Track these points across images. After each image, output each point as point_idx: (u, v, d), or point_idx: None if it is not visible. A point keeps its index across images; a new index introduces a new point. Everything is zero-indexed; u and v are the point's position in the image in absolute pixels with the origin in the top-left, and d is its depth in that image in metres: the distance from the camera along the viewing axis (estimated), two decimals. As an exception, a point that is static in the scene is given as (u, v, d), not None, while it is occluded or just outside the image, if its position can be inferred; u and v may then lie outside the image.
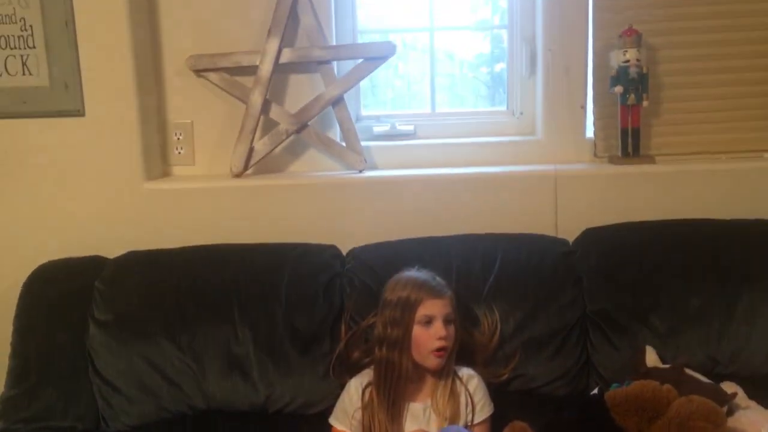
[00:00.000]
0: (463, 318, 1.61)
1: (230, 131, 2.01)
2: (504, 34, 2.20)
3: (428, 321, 1.52)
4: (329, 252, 1.83)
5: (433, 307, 1.53)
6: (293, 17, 1.96)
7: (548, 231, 1.90)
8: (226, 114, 2.02)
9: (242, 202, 1.93)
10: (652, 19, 1.97)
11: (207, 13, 1.98)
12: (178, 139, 2.04)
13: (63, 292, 1.77)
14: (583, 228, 1.86)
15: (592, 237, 1.83)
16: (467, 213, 1.92)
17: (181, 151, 2.05)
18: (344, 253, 1.85)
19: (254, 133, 1.96)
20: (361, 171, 1.98)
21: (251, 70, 1.96)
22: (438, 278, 1.59)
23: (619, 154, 1.97)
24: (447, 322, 1.53)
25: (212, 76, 1.98)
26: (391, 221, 1.92)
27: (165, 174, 2.04)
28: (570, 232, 1.87)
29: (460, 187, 1.93)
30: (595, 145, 2.03)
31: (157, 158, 2.01)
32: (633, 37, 1.90)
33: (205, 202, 1.93)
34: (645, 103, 1.93)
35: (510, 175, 1.94)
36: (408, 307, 1.53)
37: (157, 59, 2.00)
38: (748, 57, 1.98)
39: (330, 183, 1.94)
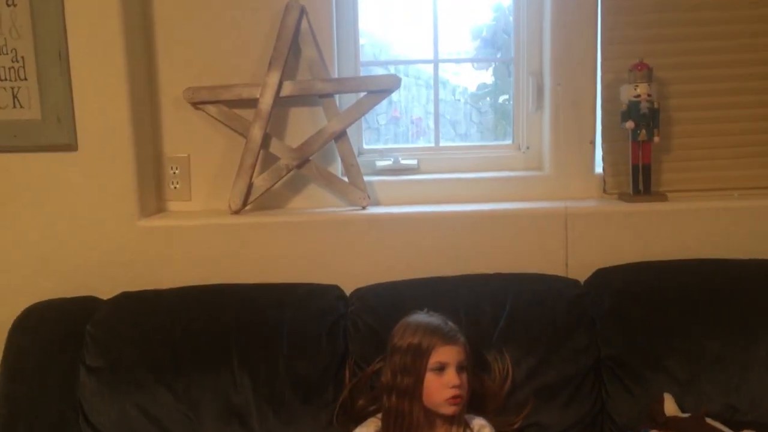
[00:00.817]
0: (473, 364, 1.54)
1: (228, 165, 1.94)
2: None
3: (441, 368, 1.45)
4: (332, 293, 1.76)
5: (447, 354, 1.46)
6: (294, 49, 1.91)
7: (558, 270, 1.85)
8: (224, 148, 1.96)
9: (241, 240, 1.85)
10: (662, 52, 1.93)
11: (205, 44, 1.92)
12: (174, 173, 1.97)
13: (53, 335, 1.68)
14: (595, 267, 1.81)
15: (605, 277, 1.77)
16: (474, 251, 1.86)
17: (177, 186, 1.97)
18: (348, 293, 1.78)
19: (254, 169, 1.89)
20: (364, 208, 1.92)
21: (251, 102, 1.90)
22: (450, 323, 1.52)
23: (630, 190, 1.91)
24: (460, 369, 1.46)
25: (210, 108, 1.91)
26: (396, 260, 1.85)
27: (160, 210, 1.97)
28: (581, 272, 1.81)
29: (467, 225, 1.87)
30: (604, 181, 1.98)
31: (152, 194, 1.93)
32: (644, 71, 1.86)
33: (202, 240, 1.85)
34: (656, 139, 1.88)
35: (519, 212, 1.88)
36: (420, 354, 1.46)
37: (153, 91, 1.93)
38: (759, 92, 1.94)
39: (332, 220, 1.87)
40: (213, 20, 1.91)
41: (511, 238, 1.86)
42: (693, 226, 1.85)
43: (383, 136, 2.36)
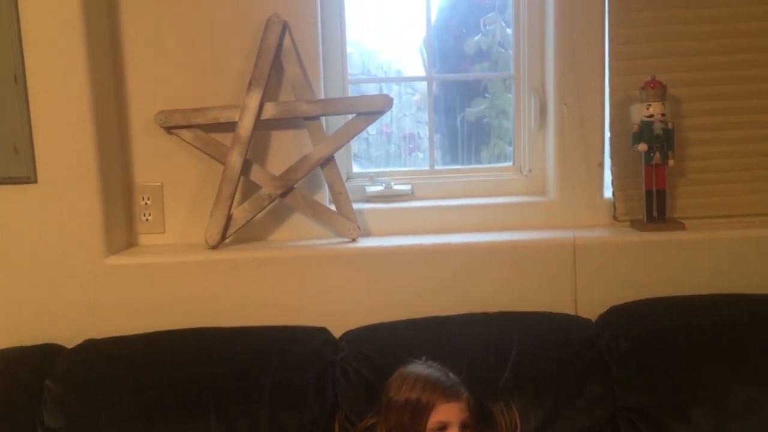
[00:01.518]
0: (477, 419, 1.38)
1: (205, 195, 1.78)
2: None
3: (442, 428, 1.30)
4: (320, 337, 1.60)
5: (449, 412, 1.30)
6: (276, 67, 1.75)
7: (567, 307, 1.70)
8: (200, 175, 1.79)
9: (219, 278, 1.68)
10: (674, 68, 1.78)
11: (179, 63, 1.75)
12: (146, 203, 1.80)
13: (9, 390, 1.51)
14: (607, 304, 1.66)
15: (620, 316, 1.62)
16: (475, 287, 1.70)
17: (149, 218, 1.80)
18: (337, 336, 1.62)
19: (233, 199, 1.73)
20: (354, 240, 1.76)
21: (229, 126, 1.74)
22: (451, 375, 1.37)
23: (643, 218, 1.76)
24: (463, 428, 1.31)
25: (185, 133, 1.75)
26: (390, 297, 1.69)
27: (130, 244, 1.80)
28: (591, 309, 1.66)
29: (467, 258, 1.71)
30: (614, 207, 1.83)
31: (121, 227, 1.76)
32: (657, 89, 1.71)
33: (176, 279, 1.68)
34: (671, 163, 1.73)
35: (523, 243, 1.72)
36: (418, 412, 1.31)
37: (122, 115, 1.76)
38: (780, 110, 1.79)
39: (319, 255, 1.70)
40: (187, 38, 1.75)
41: (515, 271, 1.71)
42: (713, 257, 1.69)
43: (373, 151, 2.20)
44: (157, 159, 1.79)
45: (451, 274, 1.70)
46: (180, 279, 1.68)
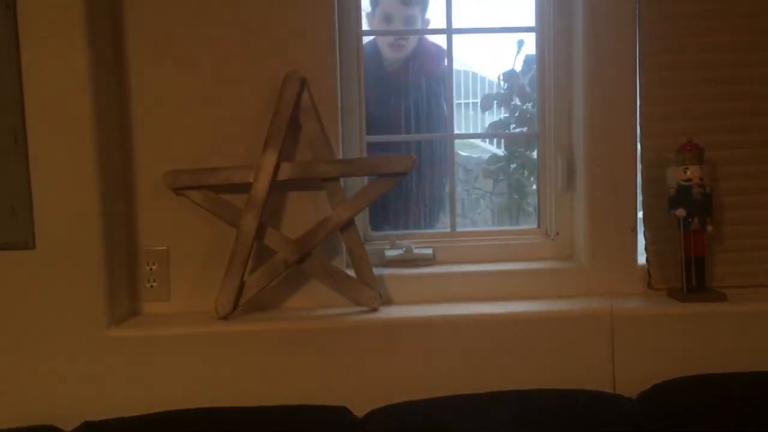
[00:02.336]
0: None
1: (214, 260, 1.66)
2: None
3: None
4: (340, 419, 1.47)
5: None
6: (293, 125, 1.65)
7: (604, 383, 1.58)
8: (209, 239, 1.67)
9: (231, 351, 1.56)
10: (708, 129, 1.70)
11: (190, 121, 1.65)
12: (151, 269, 1.67)
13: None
14: (647, 380, 1.54)
15: (665, 395, 1.50)
16: (506, 361, 1.59)
17: (154, 285, 1.68)
18: (358, 415, 1.49)
19: (246, 265, 1.61)
20: (375, 309, 1.64)
21: (242, 187, 1.63)
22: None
23: (682, 286, 1.66)
24: None
25: (195, 195, 1.64)
26: (415, 373, 1.57)
27: (133, 313, 1.67)
28: (631, 386, 1.55)
29: (497, 330, 1.59)
30: (649, 274, 1.73)
31: (124, 295, 1.63)
32: (695, 152, 1.63)
33: (183, 353, 1.55)
34: (710, 228, 1.64)
35: (557, 313, 1.61)
36: None
37: (127, 176, 1.65)
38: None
39: (340, 327, 1.58)
40: (198, 93, 1.65)
41: (548, 344, 1.59)
42: (759, 330, 1.59)
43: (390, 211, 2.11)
44: (163, 222, 1.67)
45: (479, 346, 1.59)
46: (188, 353, 1.55)
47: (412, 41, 2.25)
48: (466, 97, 6.58)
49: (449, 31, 1.83)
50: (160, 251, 1.68)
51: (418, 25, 2.20)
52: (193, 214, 1.66)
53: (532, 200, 2.25)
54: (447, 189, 1.91)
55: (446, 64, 1.92)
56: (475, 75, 6.49)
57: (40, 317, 1.52)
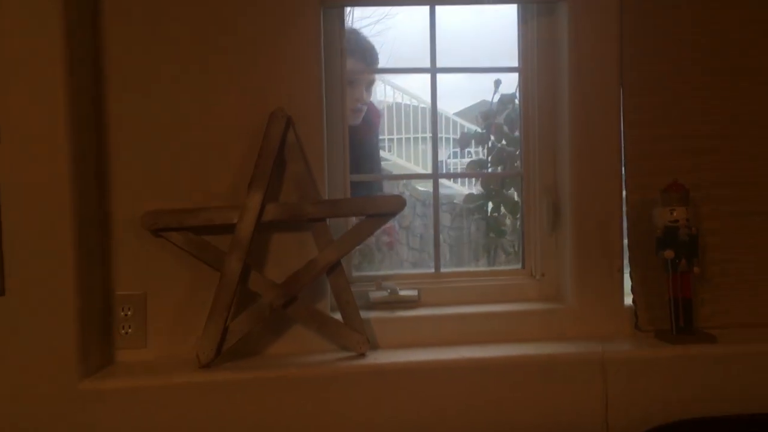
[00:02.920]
0: None
1: (192, 304, 1.59)
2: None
3: None
4: (333, 472, 1.40)
5: None
6: (278, 164, 1.60)
7: (597, 427, 1.56)
8: (188, 283, 1.60)
9: (213, 401, 1.47)
10: (692, 168, 1.73)
11: (171, 160, 1.59)
12: (126, 315, 1.59)
13: None
14: (641, 424, 1.54)
15: (662, 441, 1.48)
16: (497, 406, 1.55)
17: (129, 331, 1.59)
18: (348, 468, 1.42)
19: (230, 309, 1.54)
20: (362, 354, 1.58)
21: (225, 229, 1.57)
22: None
23: (671, 328, 1.65)
24: None
25: (175, 236, 1.56)
26: (405, 420, 1.52)
27: (106, 362, 1.57)
28: (625, 431, 1.52)
29: (488, 374, 1.55)
30: (636, 315, 1.72)
31: (97, 343, 1.54)
32: (680, 193, 1.64)
33: (163, 405, 1.46)
34: (696, 270, 1.64)
35: (548, 357, 1.58)
36: None
37: (102, 216, 1.57)
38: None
39: (328, 373, 1.52)
40: (180, 131, 1.59)
41: (539, 388, 1.56)
42: (749, 371, 1.59)
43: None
44: (139, 265, 1.59)
45: (470, 391, 1.54)
46: (167, 405, 1.46)
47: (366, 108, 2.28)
48: (423, 131, 6.63)
49: (433, 71, 1.82)
50: (136, 296, 1.59)
51: (376, 90, 2.24)
52: (172, 257, 1.59)
53: (510, 239, 2.24)
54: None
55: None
56: (424, 109, 6.56)
57: (7, 369, 1.42)
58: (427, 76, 1.82)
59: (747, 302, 1.73)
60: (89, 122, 1.54)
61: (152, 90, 1.58)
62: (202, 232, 1.58)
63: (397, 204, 1.60)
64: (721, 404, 1.56)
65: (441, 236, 1.91)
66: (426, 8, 1.80)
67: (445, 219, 4.39)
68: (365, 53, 2.19)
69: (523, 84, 1.84)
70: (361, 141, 2.15)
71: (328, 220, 1.63)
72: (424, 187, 4.27)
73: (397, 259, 2.74)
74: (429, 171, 1.89)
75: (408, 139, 6.58)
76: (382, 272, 1.87)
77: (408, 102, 6.47)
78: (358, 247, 1.73)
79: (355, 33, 2.18)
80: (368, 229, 1.61)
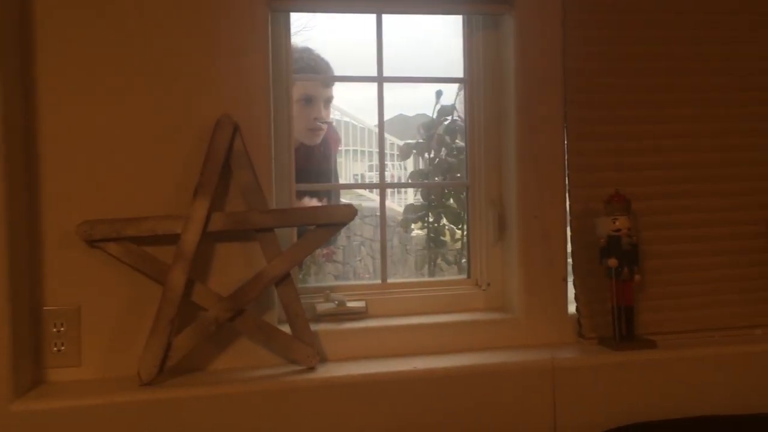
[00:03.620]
0: None
1: (132, 319, 1.51)
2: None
3: None
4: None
5: None
6: (224, 172, 1.54)
7: (547, 435, 1.57)
8: (126, 296, 1.52)
9: (156, 421, 1.40)
10: (632, 181, 1.78)
11: (108, 168, 1.51)
12: (59, 331, 1.49)
13: None
14: (589, 430, 1.55)
15: (611, 446, 1.50)
16: (449, 417, 1.54)
17: (62, 348, 1.49)
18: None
19: (174, 324, 1.46)
20: (312, 368, 1.54)
21: (167, 239, 1.50)
22: None
23: (614, 335, 1.69)
24: None
25: (113, 247, 1.48)
26: (357, 435, 1.49)
27: (37, 381, 1.47)
28: (573, 438, 1.55)
29: (440, 385, 1.54)
30: (579, 323, 1.75)
31: (27, 361, 1.44)
32: (623, 203, 1.68)
33: (101, 426, 1.38)
34: (637, 278, 1.69)
35: (498, 366, 1.58)
36: None
37: (33, 227, 1.47)
38: (734, 223, 1.82)
39: (277, 389, 1.47)
40: (119, 138, 1.52)
41: (490, 398, 1.56)
42: (689, 376, 1.65)
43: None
44: (73, 278, 1.50)
45: (424, 403, 1.53)
46: (108, 425, 1.38)
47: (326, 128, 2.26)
48: (353, 144, 6.63)
49: (380, 80, 1.80)
50: (69, 311, 1.50)
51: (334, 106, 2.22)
52: (108, 269, 1.51)
53: (452, 249, 2.25)
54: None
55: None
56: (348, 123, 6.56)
57: (-72, 392, 1.30)
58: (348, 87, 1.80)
59: (683, 309, 1.79)
60: (18, 132, 1.44)
61: (89, 97, 1.50)
62: (143, 243, 1.50)
63: (348, 213, 1.57)
64: (664, 408, 1.60)
65: (364, 249, 1.89)
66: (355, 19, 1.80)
67: (367, 231, 4.37)
68: (318, 70, 2.16)
69: (468, 95, 1.86)
70: (318, 162, 2.12)
71: (276, 230, 1.58)
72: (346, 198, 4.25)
73: (323, 272, 2.70)
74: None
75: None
76: (328, 284, 1.83)
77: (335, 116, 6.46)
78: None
79: (308, 51, 2.15)
80: (319, 239, 1.57)
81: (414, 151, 2.22)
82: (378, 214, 1.87)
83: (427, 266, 2.23)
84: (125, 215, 1.50)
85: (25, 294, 1.44)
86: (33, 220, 1.47)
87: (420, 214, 2.21)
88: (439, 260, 2.21)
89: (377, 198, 1.89)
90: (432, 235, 2.26)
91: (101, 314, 1.51)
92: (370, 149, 6.66)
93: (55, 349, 1.49)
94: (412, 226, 2.31)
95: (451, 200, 2.23)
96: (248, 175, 1.55)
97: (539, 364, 1.59)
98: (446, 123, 2.27)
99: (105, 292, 1.51)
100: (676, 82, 1.80)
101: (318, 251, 2.73)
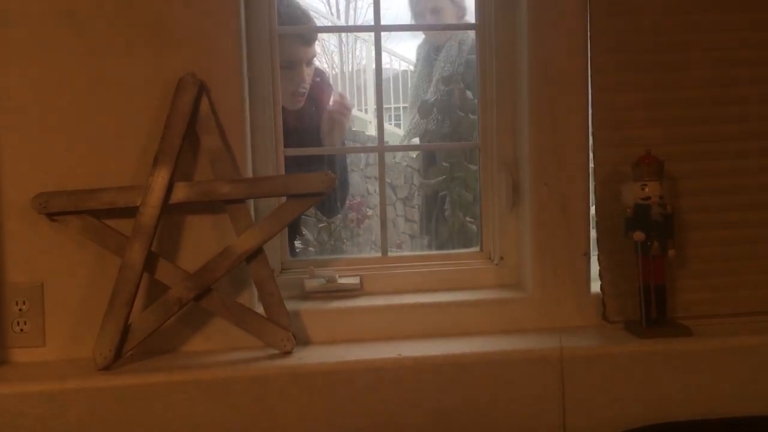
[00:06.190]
0: None
1: (98, 295, 1.40)
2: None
3: None
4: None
5: None
6: (191, 139, 1.40)
7: (553, 433, 1.37)
8: (93, 271, 1.42)
9: (113, 409, 1.30)
10: (667, 139, 1.51)
11: (65, 133, 1.40)
12: (21, 309, 1.41)
13: None
14: (603, 429, 1.35)
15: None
16: (444, 411, 1.37)
17: (25, 328, 1.41)
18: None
19: (131, 305, 1.35)
20: (287, 353, 1.40)
21: (130, 212, 1.38)
22: None
23: (641, 319, 1.46)
24: None
25: (72, 221, 1.38)
26: (334, 428, 1.34)
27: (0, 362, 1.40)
28: (584, 438, 1.34)
29: (432, 375, 1.37)
30: (603, 304, 1.52)
31: (-14, 341, 1.37)
32: (654, 165, 1.43)
33: (55, 412, 1.29)
34: (671, 253, 1.44)
35: (500, 355, 1.39)
36: None
37: (-9, 202, 1.39)
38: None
39: (241, 376, 1.33)
40: (76, 103, 1.39)
41: (490, 390, 1.38)
42: (728, 369, 1.40)
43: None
44: (36, 253, 1.41)
45: (411, 396, 1.36)
46: (60, 412, 1.29)
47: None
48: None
49: (377, 29, 1.60)
50: (32, 287, 1.41)
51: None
52: (74, 243, 1.41)
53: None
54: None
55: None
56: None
57: None
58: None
59: (728, 289, 1.52)
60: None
61: (41, 56, 1.38)
62: (105, 216, 1.39)
63: (324, 182, 1.40)
64: (694, 407, 1.37)
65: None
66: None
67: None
68: (299, 22, 1.96)
69: (480, 44, 1.63)
70: (305, 124, 1.94)
71: (252, 201, 1.44)
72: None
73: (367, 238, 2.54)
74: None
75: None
76: (323, 256, 1.68)
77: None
78: (320, 225, 1.55)
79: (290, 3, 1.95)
80: (293, 211, 1.41)
81: (435, 109, 2.01)
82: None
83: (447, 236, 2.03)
84: (87, 186, 1.39)
85: (-18, 271, 1.37)
86: (-9, 195, 1.39)
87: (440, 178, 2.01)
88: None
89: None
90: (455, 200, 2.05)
91: (66, 290, 1.42)
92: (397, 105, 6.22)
93: (17, 328, 1.41)
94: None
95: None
96: (216, 141, 1.40)
97: (544, 354, 1.38)
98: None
99: (68, 267, 1.41)
100: (723, 21, 1.50)
101: (350, 215, 2.59)
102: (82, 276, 1.42)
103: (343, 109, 1.99)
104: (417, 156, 2.96)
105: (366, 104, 5.79)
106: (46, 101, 1.39)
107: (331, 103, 2.00)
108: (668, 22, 1.50)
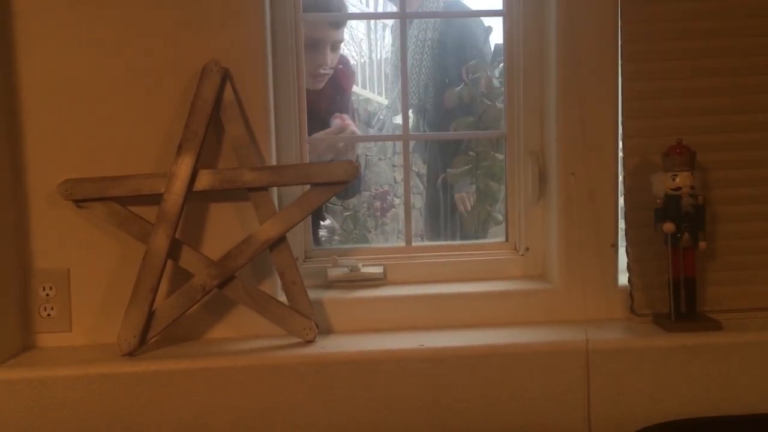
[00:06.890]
0: None
1: (124, 281, 1.41)
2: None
3: None
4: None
5: None
6: (215, 126, 1.40)
7: (578, 428, 1.35)
8: (117, 258, 1.43)
9: (137, 395, 1.31)
10: (699, 129, 1.47)
11: (91, 121, 1.41)
12: (48, 295, 1.42)
13: None
14: (629, 425, 1.33)
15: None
16: (464, 403, 1.35)
17: (52, 313, 1.43)
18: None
19: (156, 292, 1.36)
20: (310, 341, 1.40)
21: (154, 198, 1.38)
22: None
23: (670, 313, 1.42)
24: None
25: (98, 207, 1.39)
26: (357, 419, 1.34)
27: (26, 347, 1.42)
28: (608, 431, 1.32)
29: (453, 367, 1.35)
30: (631, 297, 1.49)
31: (14, 327, 1.39)
32: (685, 155, 1.39)
33: (79, 398, 1.30)
34: (702, 245, 1.40)
35: (524, 347, 1.37)
36: None
37: (18, 186, 1.40)
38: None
39: (263, 364, 1.33)
40: (100, 92, 1.40)
41: (513, 383, 1.36)
42: (760, 364, 1.36)
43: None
44: (62, 239, 1.42)
45: (432, 387, 1.35)
46: (84, 398, 1.30)
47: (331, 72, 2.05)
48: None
49: (402, 15, 1.58)
50: (58, 273, 1.42)
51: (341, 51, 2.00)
52: (99, 229, 1.42)
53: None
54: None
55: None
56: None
57: None
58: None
59: (762, 283, 1.48)
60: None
61: (66, 43, 1.39)
62: (129, 203, 1.40)
63: (348, 171, 1.39)
64: (724, 403, 1.34)
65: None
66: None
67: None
68: (329, 9, 1.95)
69: (507, 30, 1.60)
70: (326, 108, 1.93)
71: (276, 189, 1.43)
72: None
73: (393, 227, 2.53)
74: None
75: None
76: (347, 246, 1.67)
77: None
78: (346, 214, 1.55)
79: None
80: (317, 200, 1.40)
81: (461, 96, 1.99)
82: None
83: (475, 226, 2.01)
84: (112, 173, 1.40)
85: (11, 256, 1.38)
86: (17, 177, 1.40)
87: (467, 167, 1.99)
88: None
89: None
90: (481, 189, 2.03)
91: (92, 277, 1.43)
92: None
93: (44, 313, 1.43)
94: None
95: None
96: (240, 129, 1.40)
97: (569, 346, 1.36)
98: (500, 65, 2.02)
99: (95, 253, 1.43)
100: (758, 6, 1.46)
101: (375, 203, 2.58)
102: (107, 262, 1.43)
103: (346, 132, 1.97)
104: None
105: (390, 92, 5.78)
106: (71, 89, 1.40)
107: (335, 125, 1.97)
108: (698, 9, 1.46)
